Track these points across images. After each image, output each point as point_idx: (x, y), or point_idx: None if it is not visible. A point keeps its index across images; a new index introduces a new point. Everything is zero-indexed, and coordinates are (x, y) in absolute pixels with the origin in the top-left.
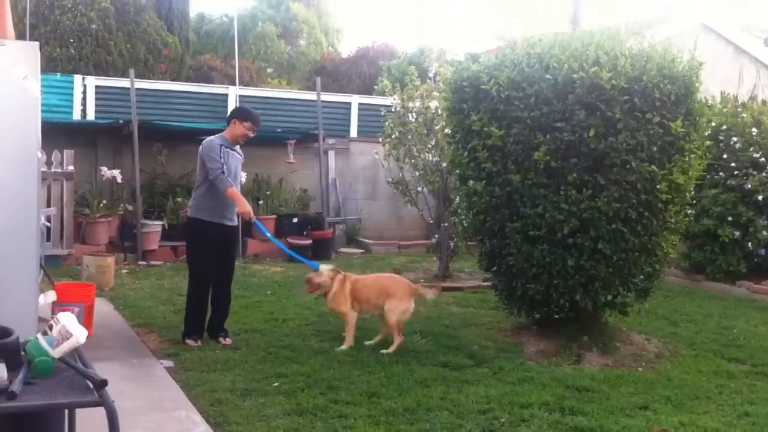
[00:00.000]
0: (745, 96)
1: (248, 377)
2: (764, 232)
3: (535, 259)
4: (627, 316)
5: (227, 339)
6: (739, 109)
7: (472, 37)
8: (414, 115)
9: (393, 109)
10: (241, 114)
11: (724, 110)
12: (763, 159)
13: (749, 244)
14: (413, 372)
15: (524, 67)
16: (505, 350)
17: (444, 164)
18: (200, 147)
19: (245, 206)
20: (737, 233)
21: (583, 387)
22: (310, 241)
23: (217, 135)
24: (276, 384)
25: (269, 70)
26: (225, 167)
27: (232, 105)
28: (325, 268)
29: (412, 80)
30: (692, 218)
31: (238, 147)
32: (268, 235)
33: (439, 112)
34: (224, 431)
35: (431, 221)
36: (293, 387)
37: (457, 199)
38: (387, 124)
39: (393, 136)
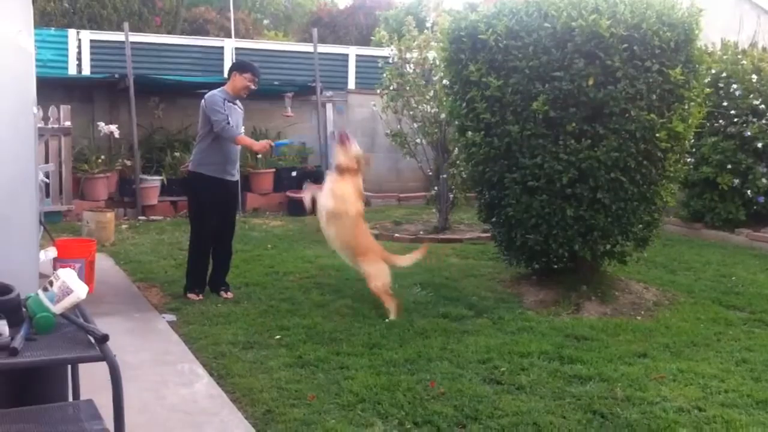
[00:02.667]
0: (745, 43)
1: (250, 330)
2: (764, 180)
3: (534, 210)
4: (626, 265)
5: (228, 293)
6: (739, 56)
7: None
8: (412, 66)
9: (390, 61)
10: (239, 66)
11: (724, 57)
12: (763, 106)
13: (748, 191)
14: (413, 323)
15: (522, 16)
16: (504, 300)
17: (442, 115)
18: (202, 101)
19: (260, 145)
20: (736, 181)
21: (581, 336)
22: None
23: (218, 89)
24: (278, 337)
25: (265, 22)
26: (230, 118)
27: (228, 58)
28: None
29: (409, 31)
30: (691, 166)
31: (238, 101)
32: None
33: (437, 62)
34: (227, 383)
35: (430, 173)
36: (295, 339)
37: (456, 150)
38: (385, 75)
39: (391, 88)
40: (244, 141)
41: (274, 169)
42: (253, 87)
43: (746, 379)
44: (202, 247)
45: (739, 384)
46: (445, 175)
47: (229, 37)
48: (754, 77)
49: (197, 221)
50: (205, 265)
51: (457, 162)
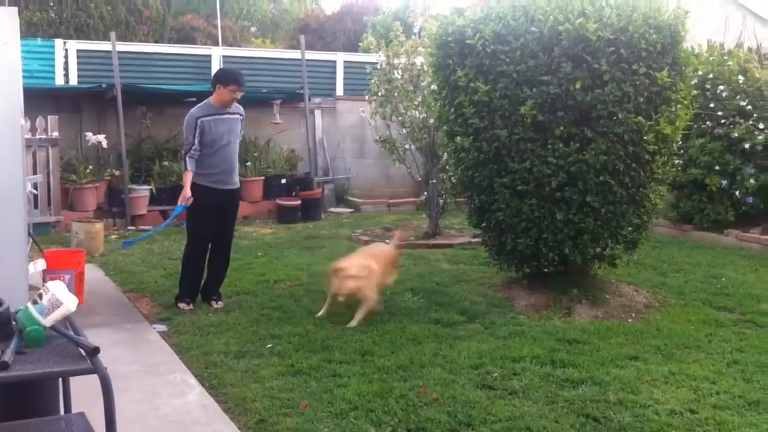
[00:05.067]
0: (731, 44)
1: (242, 339)
2: (752, 180)
3: (523, 214)
4: (616, 268)
5: (219, 302)
6: (725, 58)
7: None
8: (399, 71)
9: (378, 67)
10: (222, 78)
11: (711, 59)
12: (749, 107)
13: (737, 192)
14: (405, 329)
15: (509, 21)
16: (495, 305)
17: (431, 121)
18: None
19: (184, 193)
20: (725, 182)
21: (573, 339)
22: (299, 202)
23: (202, 103)
24: (269, 345)
25: (253, 29)
26: (196, 145)
27: (215, 66)
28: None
29: (396, 36)
30: (680, 168)
31: (231, 107)
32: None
33: (425, 68)
34: (219, 393)
35: (420, 179)
36: (287, 348)
37: (445, 155)
38: (373, 81)
39: (379, 94)
40: (185, 181)
41: (263, 177)
42: (239, 96)
43: (738, 381)
44: (197, 256)
45: (730, 385)
46: (434, 181)
47: (217, 44)
48: (741, 78)
49: (194, 230)
50: (199, 274)
51: (447, 167)
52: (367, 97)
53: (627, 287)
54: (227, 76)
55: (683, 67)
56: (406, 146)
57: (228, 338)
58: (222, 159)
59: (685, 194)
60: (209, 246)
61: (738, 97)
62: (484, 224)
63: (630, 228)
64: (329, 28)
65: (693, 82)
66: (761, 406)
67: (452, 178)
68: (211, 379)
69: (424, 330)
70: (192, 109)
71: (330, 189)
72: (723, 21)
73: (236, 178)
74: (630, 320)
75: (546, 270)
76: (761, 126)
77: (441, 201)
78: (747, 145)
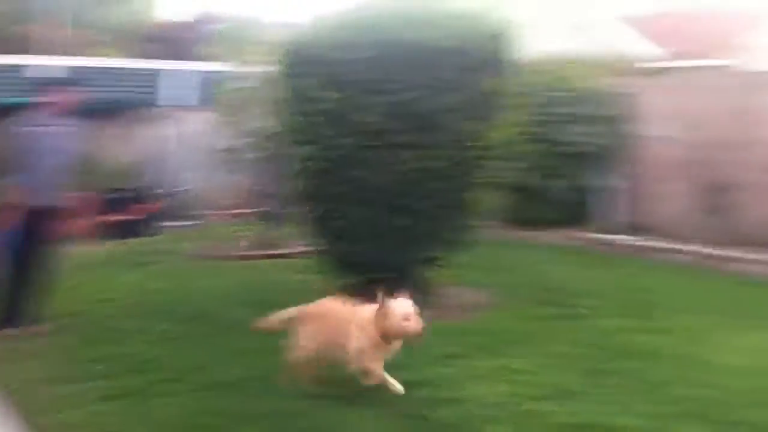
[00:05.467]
0: (570, 53)
1: (68, 363)
2: (580, 182)
3: (364, 222)
4: (448, 270)
5: (42, 325)
6: (563, 66)
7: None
8: (248, 80)
9: (226, 76)
10: (45, 83)
11: (549, 67)
12: (580, 113)
13: (566, 193)
14: (237, 343)
15: (357, 30)
16: None
17: (276, 130)
18: None
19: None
20: (555, 183)
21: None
22: (136, 217)
23: (26, 113)
24: (99, 367)
25: (100, 39)
26: (17, 158)
27: (60, 76)
28: None
29: (246, 45)
30: (513, 171)
31: (64, 120)
32: None
33: (273, 77)
34: (37, 422)
35: (263, 188)
36: (116, 369)
37: (289, 164)
38: (220, 91)
39: (226, 104)
40: (5, 197)
41: (98, 192)
42: (73, 100)
43: (558, 372)
44: (15, 277)
45: (551, 377)
46: (276, 191)
47: (62, 54)
48: (577, 85)
49: (12, 250)
50: (19, 296)
51: (290, 176)
52: (213, 107)
53: (457, 288)
54: (48, 81)
55: (517, 75)
56: (251, 156)
57: (52, 363)
58: (44, 173)
59: (516, 196)
60: (29, 266)
61: (573, 103)
62: (323, 232)
63: (460, 231)
64: (178, 37)
65: (528, 90)
66: (578, 395)
67: (295, 187)
68: (29, 406)
69: (254, 342)
70: (14, 119)
71: (171, 202)
72: (563, 33)
73: (60, 194)
74: (459, 320)
75: (380, 276)
76: (588, 130)
77: (282, 210)
78: (577, 150)
